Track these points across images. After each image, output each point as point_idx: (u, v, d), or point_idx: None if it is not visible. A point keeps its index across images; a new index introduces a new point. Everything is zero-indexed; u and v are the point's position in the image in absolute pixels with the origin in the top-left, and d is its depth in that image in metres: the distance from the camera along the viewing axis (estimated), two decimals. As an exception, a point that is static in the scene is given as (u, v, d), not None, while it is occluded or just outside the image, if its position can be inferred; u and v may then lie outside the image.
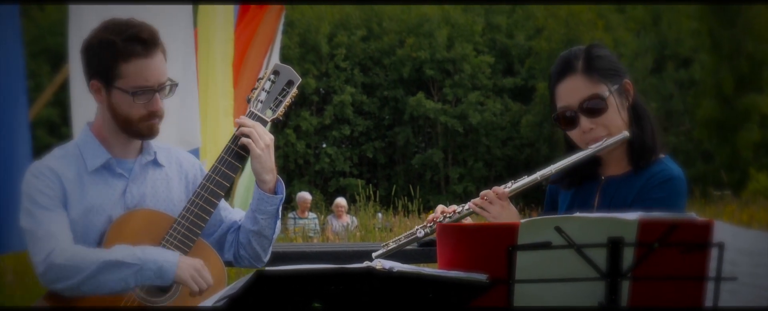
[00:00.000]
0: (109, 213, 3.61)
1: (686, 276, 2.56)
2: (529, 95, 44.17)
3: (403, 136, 44.74)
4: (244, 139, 3.70)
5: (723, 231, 2.51)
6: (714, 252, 2.53)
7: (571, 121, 3.36)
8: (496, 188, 3.46)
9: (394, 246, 3.56)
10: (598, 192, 3.45)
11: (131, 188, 3.68)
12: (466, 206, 3.49)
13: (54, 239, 3.47)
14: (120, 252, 3.45)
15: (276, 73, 3.85)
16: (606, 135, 3.33)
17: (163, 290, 3.56)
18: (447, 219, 3.50)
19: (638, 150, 3.38)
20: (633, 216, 2.46)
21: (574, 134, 3.39)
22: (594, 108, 3.32)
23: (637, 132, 3.37)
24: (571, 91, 3.35)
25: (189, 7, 6.67)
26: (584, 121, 3.33)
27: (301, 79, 3.88)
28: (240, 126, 3.73)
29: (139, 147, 3.76)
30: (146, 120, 3.63)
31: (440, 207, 3.58)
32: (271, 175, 3.77)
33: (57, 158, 3.68)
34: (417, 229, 3.52)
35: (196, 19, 8.00)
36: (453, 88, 44.82)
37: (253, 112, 3.76)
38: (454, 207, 3.56)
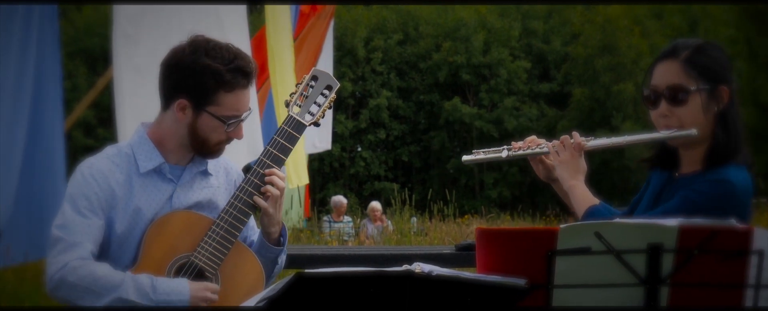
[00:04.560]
0: (154, 216, 3.64)
1: (725, 284, 2.55)
2: (564, 101, 43.97)
3: (438, 141, 44.63)
4: (263, 196, 3.69)
5: (763, 238, 2.51)
6: (754, 260, 2.52)
7: (652, 101, 3.44)
8: (577, 136, 3.61)
9: (481, 157, 3.80)
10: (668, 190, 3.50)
11: (178, 193, 3.70)
12: (542, 145, 3.67)
13: (76, 250, 3.47)
14: (133, 289, 3.43)
15: (315, 78, 3.87)
16: (678, 127, 3.39)
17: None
18: (520, 151, 3.69)
19: (715, 152, 3.41)
20: (673, 222, 2.46)
21: (653, 114, 3.46)
22: (675, 97, 3.39)
23: (723, 137, 3.40)
24: (664, 73, 3.42)
25: (244, 15, 6.65)
26: (663, 106, 3.40)
27: (339, 84, 3.90)
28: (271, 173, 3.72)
29: (192, 155, 3.78)
30: (223, 143, 3.70)
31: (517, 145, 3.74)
32: (277, 227, 3.80)
33: (109, 158, 3.68)
34: (502, 149, 3.72)
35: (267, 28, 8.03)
36: (489, 93, 44.70)
37: (292, 117, 3.77)
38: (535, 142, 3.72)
